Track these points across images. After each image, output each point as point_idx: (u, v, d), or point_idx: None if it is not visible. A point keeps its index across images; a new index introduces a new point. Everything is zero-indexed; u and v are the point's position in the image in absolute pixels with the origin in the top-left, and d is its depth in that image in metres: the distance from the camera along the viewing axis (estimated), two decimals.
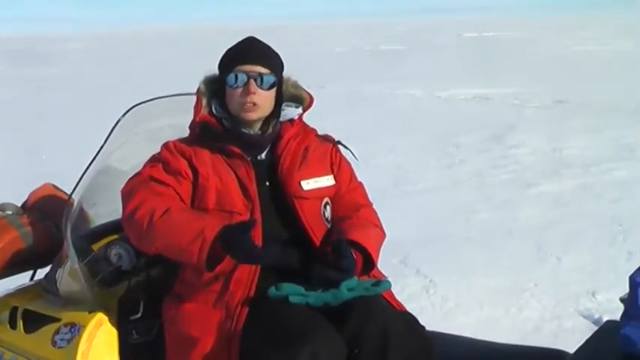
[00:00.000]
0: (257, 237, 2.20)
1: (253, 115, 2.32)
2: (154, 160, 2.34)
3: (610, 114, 11.09)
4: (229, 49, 2.39)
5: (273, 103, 2.36)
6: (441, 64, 21.78)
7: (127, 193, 2.27)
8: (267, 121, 2.38)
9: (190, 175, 2.29)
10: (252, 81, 2.29)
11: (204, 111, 2.36)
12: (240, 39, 2.42)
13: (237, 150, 2.30)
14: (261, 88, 2.30)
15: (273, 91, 2.35)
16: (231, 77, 2.31)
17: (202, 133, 2.35)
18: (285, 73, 2.43)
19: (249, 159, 2.31)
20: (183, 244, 2.11)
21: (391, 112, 12.25)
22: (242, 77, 2.30)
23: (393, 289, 2.26)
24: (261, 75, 2.31)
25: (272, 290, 2.10)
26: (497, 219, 5.84)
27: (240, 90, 2.30)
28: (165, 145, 2.36)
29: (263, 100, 2.31)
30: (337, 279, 2.13)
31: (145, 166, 2.34)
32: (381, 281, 2.21)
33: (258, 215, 2.24)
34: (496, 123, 10.58)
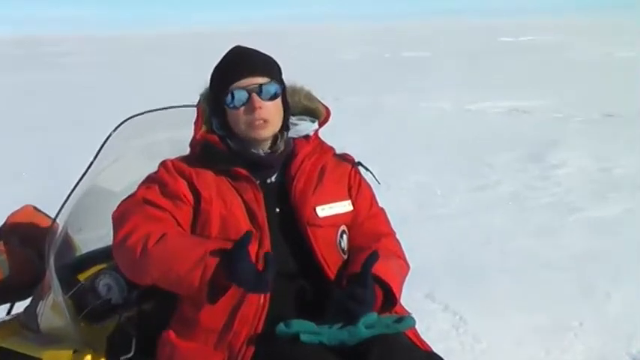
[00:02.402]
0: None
1: (265, 133, 2.33)
2: (150, 180, 2.35)
3: None
4: (218, 67, 2.39)
5: (281, 114, 2.38)
6: (472, 72, 21.80)
7: (119, 218, 2.28)
8: (275, 137, 2.39)
9: (191, 198, 2.29)
10: (254, 95, 2.30)
11: (205, 128, 2.38)
12: (226, 52, 2.41)
13: (243, 172, 2.31)
14: (265, 100, 2.31)
15: (279, 100, 2.36)
16: (229, 98, 2.31)
17: (204, 153, 2.36)
18: (297, 83, 2.45)
19: (257, 182, 2.32)
20: (181, 273, 2.10)
21: (415, 128, 12.25)
22: (241, 94, 2.30)
23: (418, 327, 2.26)
24: (260, 86, 2.31)
25: (281, 327, 2.10)
26: (535, 248, 5.81)
27: (243, 109, 2.31)
28: (163, 164, 2.37)
29: (271, 113, 2.32)
30: (356, 312, 2.12)
31: (139, 187, 2.35)
32: (403, 318, 2.20)
33: (267, 244, 2.24)
34: (535, 139, 10.55)
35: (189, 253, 2.12)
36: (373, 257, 2.21)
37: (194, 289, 2.10)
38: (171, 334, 2.27)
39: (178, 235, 2.22)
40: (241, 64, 2.35)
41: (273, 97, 2.33)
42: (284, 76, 2.43)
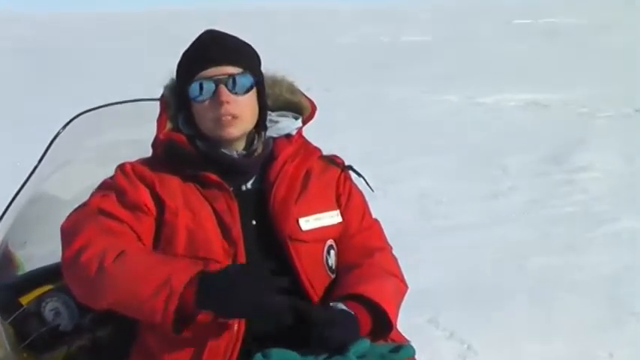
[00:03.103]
0: None
1: (234, 131, 2.32)
2: (106, 187, 2.34)
3: None
4: (185, 53, 2.40)
5: (256, 111, 2.37)
6: (484, 60, 21.83)
7: (70, 230, 2.26)
8: (251, 136, 2.39)
9: (153, 209, 2.28)
10: (221, 87, 2.29)
11: (170, 125, 2.37)
12: (196, 37, 2.40)
13: (214, 177, 2.30)
14: (236, 94, 2.30)
15: (253, 94, 2.36)
16: (193, 88, 2.31)
17: (168, 155, 2.35)
18: (278, 73, 2.45)
19: (231, 189, 2.31)
20: (143, 297, 2.08)
21: (418, 124, 12.26)
22: (208, 85, 2.30)
23: (419, 357, 2.26)
24: (232, 77, 2.30)
25: (258, 358, 2.09)
26: (557, 266, 5.83)
27: (208, 102, 2.30)
28: (121, 168, 2.36)
29: (242, 109, 2.31)
30: (342, 341, 2.11)
31: (93, 194, 2.34)
32: (401, 346, 2.20)
33: (242, 263, 2.23)
34: (557, 138, 10.57)
35: (152, 273, 2.10)
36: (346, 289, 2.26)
37: (156, 315, 2.07)
38: None
39: (140, 252, 2.21)
40: (210, 51, 2.34)
41: (245, 91, 2.32)
42: (265, 64, 2.43)
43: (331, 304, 2.23)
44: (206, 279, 2.06)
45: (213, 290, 2.05)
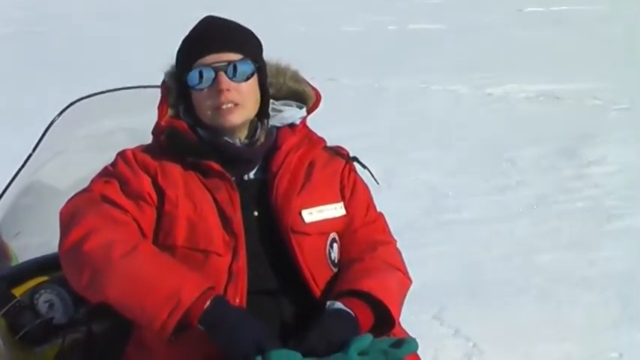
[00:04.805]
0: (240, 288, 2.21)
1: (235, 119, 2.32)
2: (108, 174, 2.33)
3: None
4: (185, 39, 2.40)
5: (257, 98, 2.38)
6: (494, 49, 21.76)
7: (70, 215, 2.24)
8: (253, 125, 2.39)
9: (155, 198, 2.28)
10: (221, 74, 2.29)
11: (171, 112, 2.37)
12: (195, 24, 2.41)
13: (216, 166, 2.30)
14: (236, 81, 2.31)
15: (254, 81, 2.36)
16: (192, 76, 2.32)
17: (170, 143, 2.35)
18: (282, 62, 2.46)
19: (232, 179, 2.31)
20: (147, 303, 2.07)
21: (424, 115, 12.23)
22: (207, 73, 2.30)
23: (424, 356, 2.27)
24: (232, 63, 2.31)
25: (257, 359, 2.07)
26: (566, 262, 5.82)
27: (207, 90, 2.31)
28: (122, 155, 2.36)
29: (243, 96, 2.32)
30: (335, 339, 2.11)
31: (95, 180, 2.33)
32: (404, 340, 2.18)
33: (243, 256, 2.24)
34: (568, 131, 10.53)
35: (162, 280, 2.09)
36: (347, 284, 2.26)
37: (156, 324, 2.06)
38: None
39: (151, 253, 2.18)
40: (209, 37, 2.35)
41: (246, 78, 2.32)
42: (269, 53, 2.44)
43: (328, 303, 2.23)
44: (221, 305, 2.09)
45: (225, 320, 2.07)
